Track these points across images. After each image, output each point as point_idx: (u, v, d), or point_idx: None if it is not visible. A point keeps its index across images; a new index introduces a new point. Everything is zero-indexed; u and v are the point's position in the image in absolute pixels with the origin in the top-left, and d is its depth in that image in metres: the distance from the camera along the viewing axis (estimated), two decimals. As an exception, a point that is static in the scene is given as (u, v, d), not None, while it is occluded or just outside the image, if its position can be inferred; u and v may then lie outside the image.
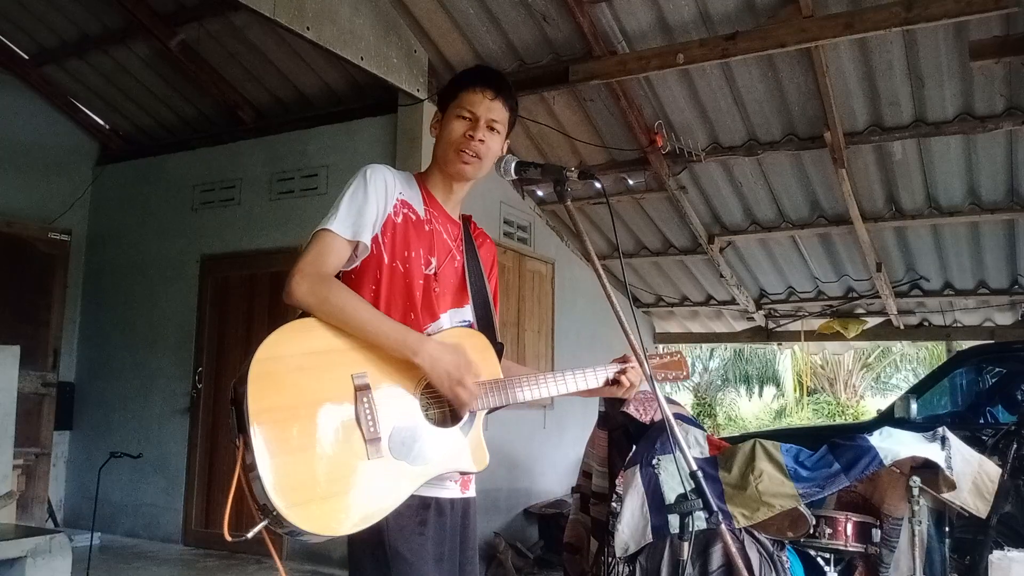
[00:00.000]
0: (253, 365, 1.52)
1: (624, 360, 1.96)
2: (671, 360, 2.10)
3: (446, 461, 1.71)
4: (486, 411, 1.79)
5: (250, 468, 1.51)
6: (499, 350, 1.89)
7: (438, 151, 1.91)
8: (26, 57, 6.89)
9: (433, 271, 1.84)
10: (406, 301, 1.80)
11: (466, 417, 1.74)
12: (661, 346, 2.07)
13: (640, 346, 1.80)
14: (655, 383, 1.79)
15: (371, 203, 1.76)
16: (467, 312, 1.92)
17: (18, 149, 6.91)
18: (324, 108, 6.35)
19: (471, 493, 1.89)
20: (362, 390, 1.61)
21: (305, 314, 1.68)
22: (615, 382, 1.94)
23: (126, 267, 7.15)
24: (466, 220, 2.01)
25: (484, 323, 1.93)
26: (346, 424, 1.59)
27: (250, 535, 1.52)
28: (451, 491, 1.82)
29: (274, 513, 1.49)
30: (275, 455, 1.50)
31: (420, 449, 1.67)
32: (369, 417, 1.61)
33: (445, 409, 1.73)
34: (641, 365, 1.79)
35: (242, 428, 1.52)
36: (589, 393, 1.96)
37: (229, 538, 1.53)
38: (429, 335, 1.76)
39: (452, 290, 1.89)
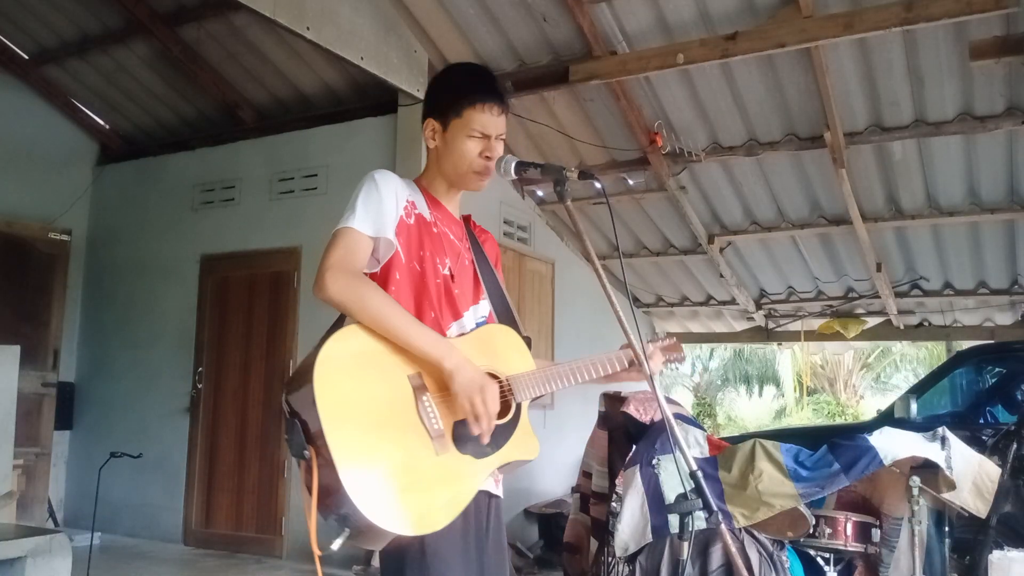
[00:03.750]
0: (316, 377, 1.51)
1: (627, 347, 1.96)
2: (670, 344, 2.13)
3: (504, 453, 1.75)
4: (529, 401, 1.82)
5: (327, 478, 1.49)
6: (527, 343, 1.92)
7: (447, 166, 1.89)
8: (26, 57, 6.89)
9: (448, 271, 1.86)
10: (426, 301, 1.81)
11: (512, 409, 1.78)
12: (665, 333, 2.08)
13: (640, 347, 1.81)
14: (655, 383, 1.79)
15: (386, 202, 1.77)
16: (484, 307, 1.94)
17: (18, 149, 6.91)
18: (324, 108, 6.36)
19: (500, 492, 1.90)
20: (419, 389, 1.64)
21: (342, 317, 1.70)
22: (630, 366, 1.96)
23: (126, 267, 7.15)
24: (465, 219, 2.03)
25: (505, 317, 1.95)
26: (411, 423, 1.61)
27: (335, 547, 1.54)
28: (490, 486, 1.83)
29: (354, 519, 1.49)
30: (353, 461, 1.50)
31: (483, 443, 1.70)
32: (432, 415, 1.63)
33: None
34: (641, 366, 1.79)
35: (311, 440, 1.50)
36: (609, 379, 1.98)
37: (319, 553, 1.55)
38: (460, 335, 1.81)
39: (468, 288, 1.92)
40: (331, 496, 1.50)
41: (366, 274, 1.74)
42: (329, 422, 1.49)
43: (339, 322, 1.71)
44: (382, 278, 1.77)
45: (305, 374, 1.53)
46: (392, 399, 1.60)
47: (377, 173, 1.82)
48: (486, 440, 1.68)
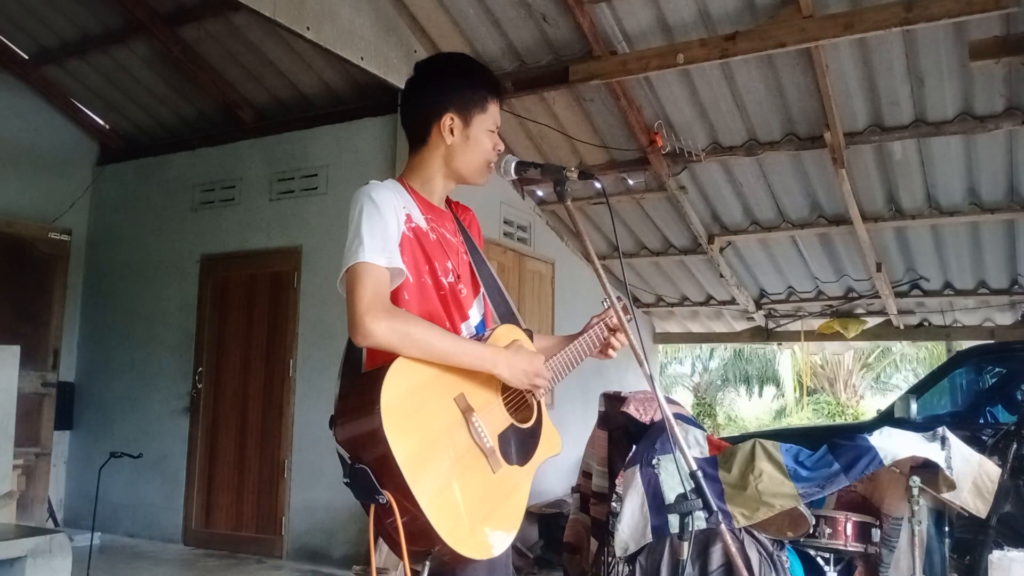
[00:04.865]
0: (385, 420, 1.51)
1: (603, 316, 2.07)
2: (622, 306, 2.10)
3: (540, 452, 1.81)
4: (544, 397, 1.88)
5: (411, 517, 1.51)
6: (529, 335, 1.93)
7: (460, 162, 1.87)
8: (26, 57, 6.89)
9: (453, 276, 1.87)
10: (436, 314, 1.81)
11: (535, 411, 1.83)
12: (612, 296, 2.04)
13: (640, 346, 1.81)
14: (655, 385, 1.79)
15: (390, 224, 1.74)
16: (481, 299, 1.96)
17: (18, 149, 6.91)
18: (324, 108, 6.35)
19: None
20: (467, 412, 1.66)
21: (353, 348, 1.71)
22: (606, 344, 2.08)
23: (126, 267, 7.15)
24: (448, 204, 2.00)
25: (502, 307, 1.96)
26: (468, 446, 1.65)
27: None
28: None
29: (437, 551, 1.54)
30: (434, 497, 1.53)
31: (521, 449, 1.77)
32: (482, 434, 1.67)
33: (521, 408, 1.83)
34: (641, 366, 1.79)
35: (386, 484, 1.52)
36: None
37: None
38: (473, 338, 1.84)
39: (469, 284, 1.93)
40: (421, 539, 1.54)
41: None
42: (411, 475, 1.50)
43: (349, 348, 1.73)
44: (392, 301, 1.75)
45: (369, 420, 1.52)
46: (449, 430, 1.63)
47: (372, 191, 1.76)
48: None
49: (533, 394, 1.81)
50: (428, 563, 1.58)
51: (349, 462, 1.57)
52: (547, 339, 2.08)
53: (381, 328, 1.61)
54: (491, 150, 1.89)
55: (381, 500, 1.51)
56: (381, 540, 1.59)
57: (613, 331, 2.04)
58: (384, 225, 1.72)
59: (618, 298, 1.94)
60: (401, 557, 1.54)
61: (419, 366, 1.63)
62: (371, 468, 1.52)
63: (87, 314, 7.36)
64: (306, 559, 5.73)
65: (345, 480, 1.58)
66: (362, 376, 1.68)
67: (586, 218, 7.28)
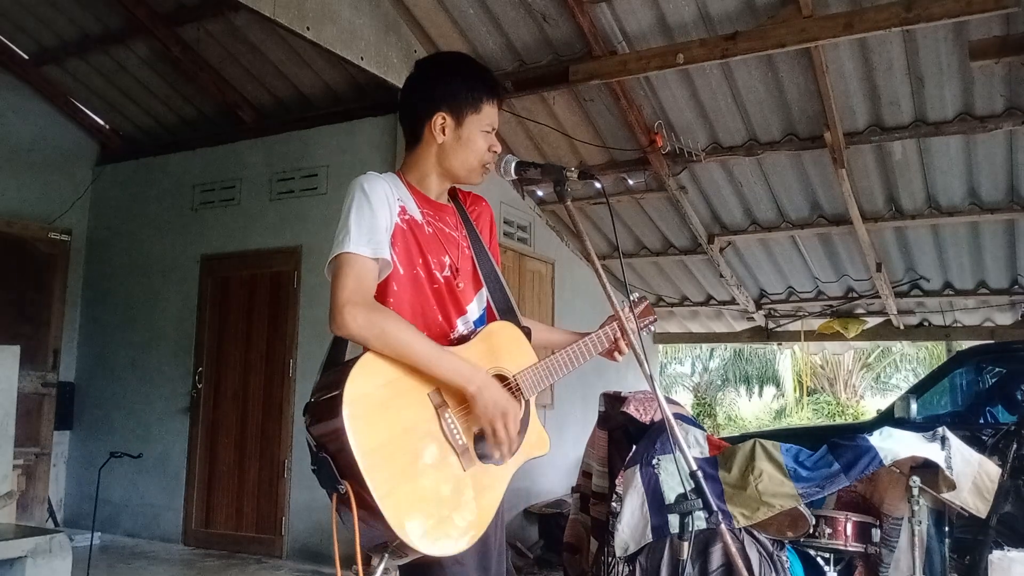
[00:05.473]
0: (347, 420, 1.51)
1: (614, 318, 2.01)
2: (644, 308, 2.14)
3: (521, 453, 1.77)
4: (534, 396, 1.84)
5: (367, 510, 1.52)
6: (527, 334, 1.91)
7: (454, 162, 1.87)
8: (26, 57, 6.89)
9: (450, 270, 1.86)
10: (428, 308, 1.81)
11: (522, 409, 1.79)
12: (634, 294, 2.08)
13: (640, 346, 1.81)
14: (655, 384, 1.79)
15: (380, 216, 1.73)
16: (483, 295, 1.94)
17: (18, 149, 6.91)
18: (324, 108, 6.35)
19: None
20: (440, 407, 1.65)
21: (338, 344, 1.70)
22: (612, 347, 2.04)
23: (126, 267, 7.15)
24: (453, 196, 1.99)
25: (503, 304, 1.94)
26: (438, 443, 1.63)
27: (379, 573, 1.58)
28: None
29: (395, 546, 1.53)
30: (392, 491, 1.53)
31: (502, 462, 1.73)
32: (455, 431, 1.65)
33: None
34: (641, 366, 1.79)
35: (345, 475, 1.52)
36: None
37: None
38: (466, 335, 1.82)
39: (469, 278, 1.92)
40: (376, 530, 1.53)
41: None
42: (367, 468, 1.50)
43: (335, 343, 1.72)
44: (380, 291, 1.75)
45: (331, 412, 1.52)
46: (418, 425, 1.62)
47: (365, 183, 1.77)
48: (507, 460, 1.73)
49: (494, 435, 1.67)
50: (386, 555, 1.57)
51: (315, 450, 1.57)
52: (557, 333, 2.09)
53: (358, 321, 1.61)
54: (485, 151, 1.87)
55: (341, 490, 1.52)
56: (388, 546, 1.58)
57: (624, 333, 2.02)
58: (373, 216, 1.72)
59: (637, 300, 1.93)
60: (356, 544, 1.54)
61: (393, 361, 1.63)
62: (332, 458, 1.53)
63: (87, 314, 7.36)
64: (306, 559, 5.73)
65: (312, 467, 1.58)
66: (337, 366, 1.67)
67: (586, 218, 7.28)
